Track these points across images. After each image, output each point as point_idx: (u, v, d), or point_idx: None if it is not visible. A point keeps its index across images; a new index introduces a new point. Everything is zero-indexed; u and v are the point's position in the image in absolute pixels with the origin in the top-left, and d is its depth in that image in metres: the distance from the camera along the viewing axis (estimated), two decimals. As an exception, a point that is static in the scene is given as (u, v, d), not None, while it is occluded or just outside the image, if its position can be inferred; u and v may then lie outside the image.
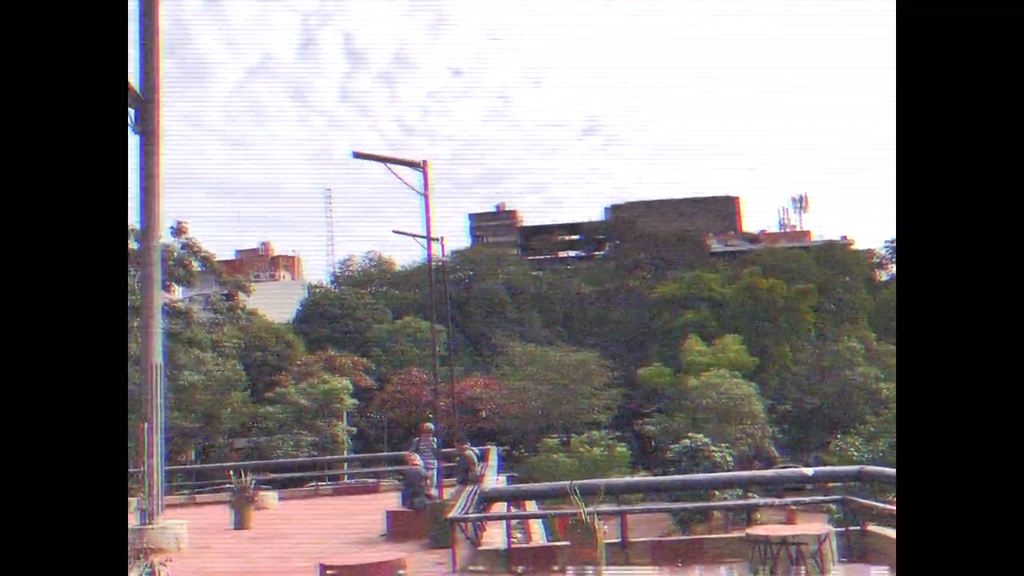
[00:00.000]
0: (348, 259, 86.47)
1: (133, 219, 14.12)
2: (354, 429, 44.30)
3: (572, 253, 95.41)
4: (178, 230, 43.31)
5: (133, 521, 13.25)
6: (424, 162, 14.69)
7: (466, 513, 11.46)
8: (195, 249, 44.71)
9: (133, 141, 14.35)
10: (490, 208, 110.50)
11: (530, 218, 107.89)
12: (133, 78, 14.23)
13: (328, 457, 34.52)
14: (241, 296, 53.80)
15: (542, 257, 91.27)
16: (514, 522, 12.95)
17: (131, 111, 14.27)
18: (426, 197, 14.39)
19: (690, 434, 38.83)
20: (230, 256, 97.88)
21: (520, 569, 10.35)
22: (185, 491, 25.19)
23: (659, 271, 73.22)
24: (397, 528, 13.38)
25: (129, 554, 9.46)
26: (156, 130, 14.43)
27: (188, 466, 35.33)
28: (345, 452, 39.80)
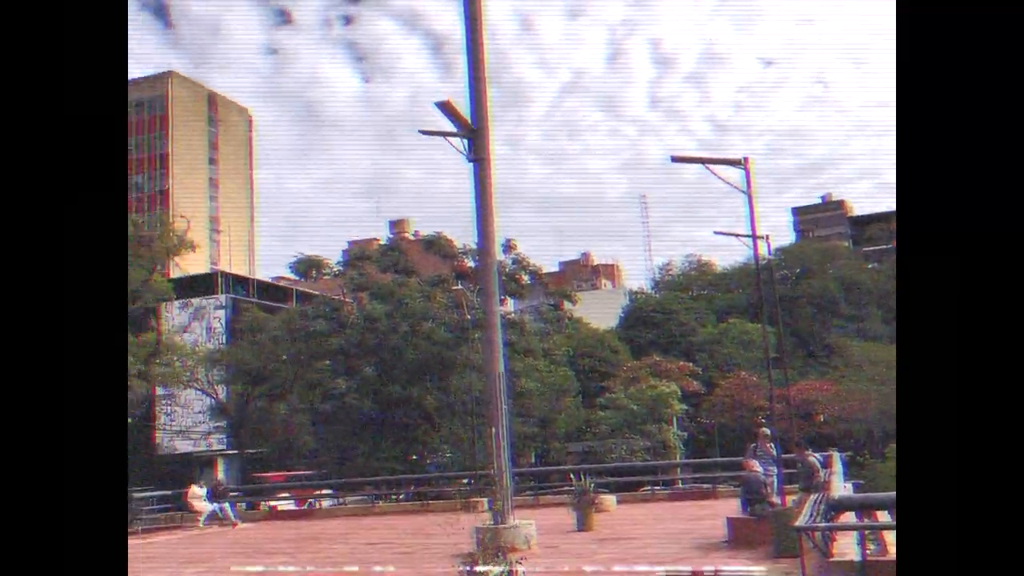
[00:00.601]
0: (667, 264, 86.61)
1: (471, 239, 15.38)
2: (684, 434, 44.13)
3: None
4: (508, 246, 46.14)
5: (487, 520, 14.22)
6: (745, 159, 14.28)
7: (814, 522, 10.87)
8: (524, 264, 47.37)
9: (467, 168, 15.51)
10: (815, 200, 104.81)
11: (861, 207, 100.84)
12: (464, 110, 15.39)
13: (662, 462, 34.69)
14: (567, 305, 56.00)
15: (878, 248, 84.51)
16: (867, 533, 12.04)
17: (464, 141, 15.44)
18: (749, 195, 13.96)
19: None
20: (554, 268, 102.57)
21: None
22: (528, 493, 26.65)
23: (1019, 254, 64.50)
24: (739, 535, 13.05)
25: (487, 551, 10.16)
26: (487, 156, 15.46)
27: (529, 469, 37.40)
28: (677, 457, 39.76)
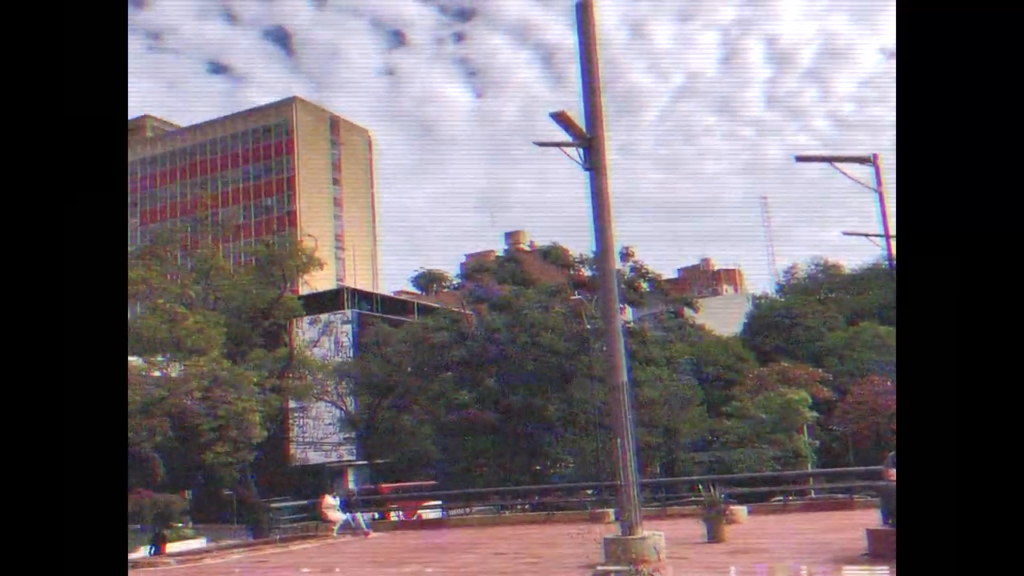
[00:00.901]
0: (792, 267, 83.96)
1: (587, 249, 15.33)
2: (816, 442, 42.55)
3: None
4: (626, 254, 45.84)
5: (615, 531, 14.10)
6: (874, 156, 13.73)
7: (963, 535, 10.28)
8: (643, 271, 46.94)
9: (582, 178, 15.47)
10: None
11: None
12: (579, 119, 15.37)
13: (794, 471, 33.58)
14: (688, 312, 55.08)
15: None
16: None
17: (579, 151, 15.43)
18: (880, 193, 13.41)
19: None
20: (673, 275, 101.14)
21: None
22: (655, 504, 26.27)
23: None
24: (879, 548, 12.46)
25: (617, 562, 10.07)
26: (602, 165, 15.39)
27: (656, 479, 36.88)
28: (809, 466, 38.38)
